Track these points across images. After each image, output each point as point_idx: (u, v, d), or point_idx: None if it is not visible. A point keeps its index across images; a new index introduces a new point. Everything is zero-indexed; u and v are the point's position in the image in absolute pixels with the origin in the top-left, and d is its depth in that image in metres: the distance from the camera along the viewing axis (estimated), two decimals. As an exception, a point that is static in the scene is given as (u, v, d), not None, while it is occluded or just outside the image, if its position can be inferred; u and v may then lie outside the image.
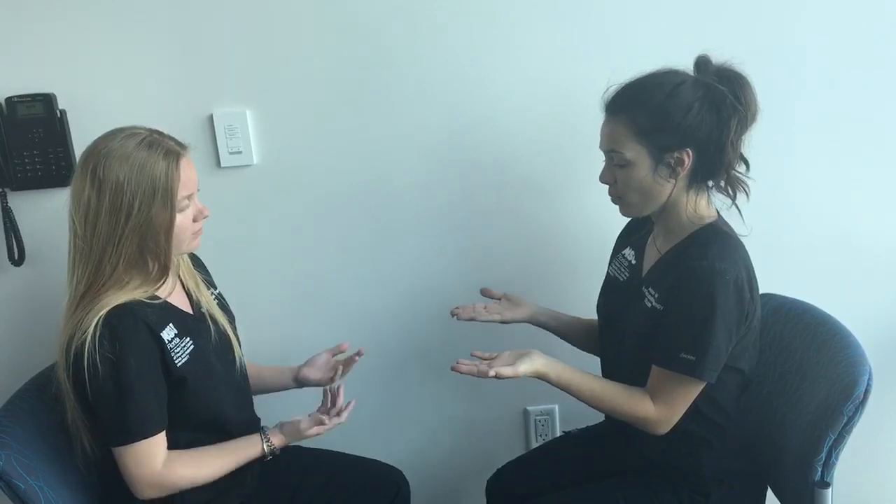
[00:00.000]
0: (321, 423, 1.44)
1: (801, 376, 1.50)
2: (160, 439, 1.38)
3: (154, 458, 1.36)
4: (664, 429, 1.41)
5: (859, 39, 1.76)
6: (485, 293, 1.72)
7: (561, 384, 1.43)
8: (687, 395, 1.40)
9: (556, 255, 1.89)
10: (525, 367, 1.41)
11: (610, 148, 1.43)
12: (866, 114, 1.81)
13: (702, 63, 1.41)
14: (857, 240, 1.88)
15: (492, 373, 1.39)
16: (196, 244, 1.47)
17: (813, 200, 1.85)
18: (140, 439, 1.35)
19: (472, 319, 1.68)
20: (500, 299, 1.71)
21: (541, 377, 1.43)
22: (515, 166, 1.83)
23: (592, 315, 1.69)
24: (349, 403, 1.52)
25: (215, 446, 1.45)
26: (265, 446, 1.46)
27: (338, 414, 1.51)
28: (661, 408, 1.40)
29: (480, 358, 1.45)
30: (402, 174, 1.82)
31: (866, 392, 1.34)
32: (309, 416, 1.50)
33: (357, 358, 1.67)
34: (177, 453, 1.40)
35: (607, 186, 1.48)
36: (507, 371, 1.39)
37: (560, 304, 1.81)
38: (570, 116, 1.77)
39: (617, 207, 1.50)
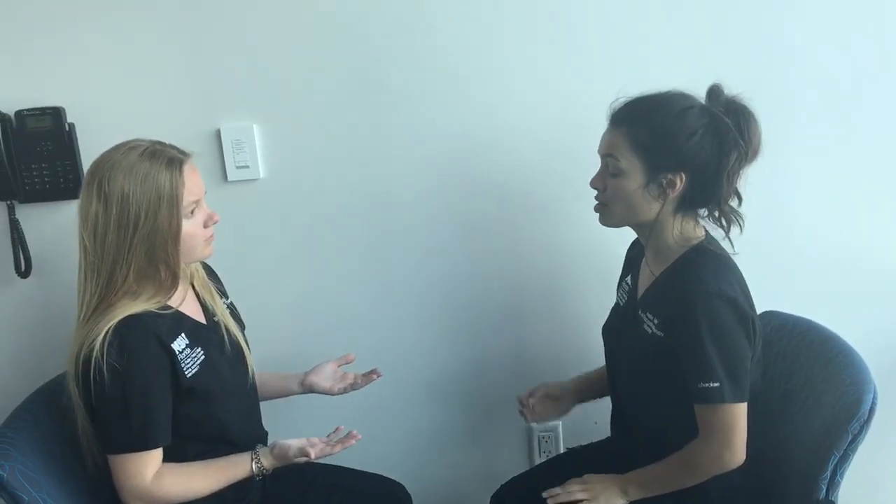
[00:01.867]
0: (307, 455, 1.44)
1: (806, 394, 1.50)
2: (156, 453, 1.38)
3: (145, 471, 1.36)
4: (733, 460, 1.38)
5: (861, 52, 1.77)
6: (520, 402, 1.70)
7: (643, 492, 1.46)
8: (731, 422, 1.37)
9: (557, 269, 1.89)
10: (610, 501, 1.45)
11: (607, 153, 1.44)
12: (869, 129, 1.81)
13: (714, 91, 1.41)
14: (862, 257, 1.87)
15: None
16: (210, 251, 1.47)
17: (817, 217, 1.85)
18: (137, 450, 1.35)
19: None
20: (535, 400, 1.68)
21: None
22: (518, 182, 1.83)
23: (593, 330, 1.69)
24: (345, 437, 1.49)
25: (205, 463, 1.44)
26: (254, 466, 1.45)
27: (332, 444, 1.48)
28: (715, 443, 1.38)
29: None
30: (407, 189, 1.83)
31: (871, 410, 1.34)
32: (305, 440, 1.47)
33: (375, 376, 1.68)
34: (167, 468, 1.39)
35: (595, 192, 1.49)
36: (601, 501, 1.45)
37: (560, 319, 1.81)
38: (572, 134, 1.78)
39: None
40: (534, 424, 1.66)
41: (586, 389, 1.71)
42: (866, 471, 1.56)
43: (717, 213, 1.44)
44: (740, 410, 1.37)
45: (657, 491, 1.46)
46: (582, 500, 1.46)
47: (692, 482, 1.43)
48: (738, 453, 1.38)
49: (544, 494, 1.49)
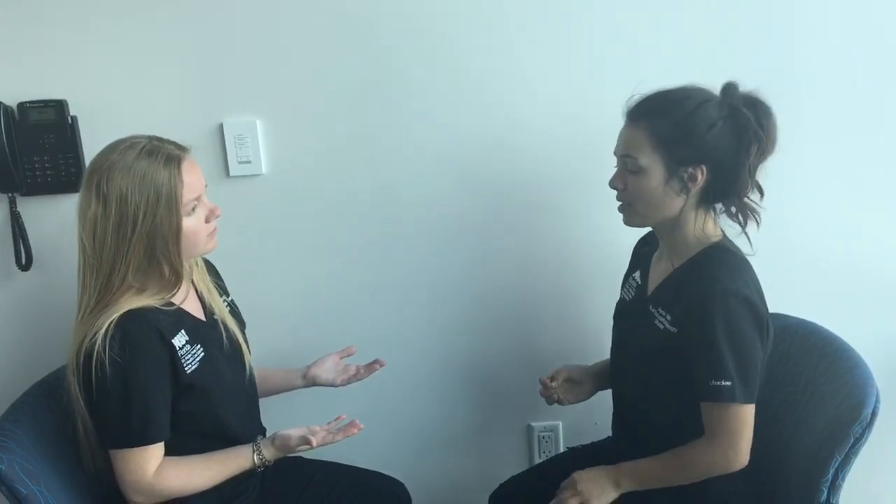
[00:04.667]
0: (309, 443, 1.44)
1: (808, 396, 1.50)
2: (157, 448, 1.38)
3: (147, 466, 1.36)
4: (738, 462, 1.38)
5: (870, 56, 1.77)
6: (543, 384, 1.66)
7: (636, 486, 1.45)
8: (740, 423, 1.36)
9: (563, 267, 1.88)
10: (603, 498, 1.45)
11: (625, 153, 1.43)
12: (877, 132, 1.81)
13: (729, 89, 1.41)
14: (868, 261, 1.87)
15: None
16: (213, 244, 1.47)
17: (822, 221, 1.85)
18: (138, 445, 1.35)
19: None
20: (557, 384, 1.65)
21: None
22: (524, 180, 1.83)
23: (598, 329, 1.68)
24: (348, 425, 1.49)
25: (206, 456, 1.44)
26: (256, 458, 1.45)
27: (333, 432, 1.48)
28: (722, 444, 1.37)
29: None
30: (410, 186, 1.83)
31: (874, 413, 1.33)
32: (306, 429, 1.47)
33: (378, 366, 1.68)
34: (169, 461, 1.39)
35: (615, 194, 1.48)
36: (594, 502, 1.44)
37: (564, 318, 1.80)
38: (580, 133, 1.78)
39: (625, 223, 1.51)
40: (557, 402, 1.65)
41: (607, 375, 1.68)
42: (868, 474, 1.56)
43: (733, 209, 1.43)
44: (748, 412, 1.37)
45: (651, 486, 1.45)
46: None
47: (689, 481, 1.42)
48: (742, 455, 1.38)
49: None
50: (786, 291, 1.71)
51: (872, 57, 1.77)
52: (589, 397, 1.68)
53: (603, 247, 1.82)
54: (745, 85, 1.40)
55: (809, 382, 1.51)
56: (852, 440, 1.33)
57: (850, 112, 1.79)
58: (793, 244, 1.85)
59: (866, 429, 1.33)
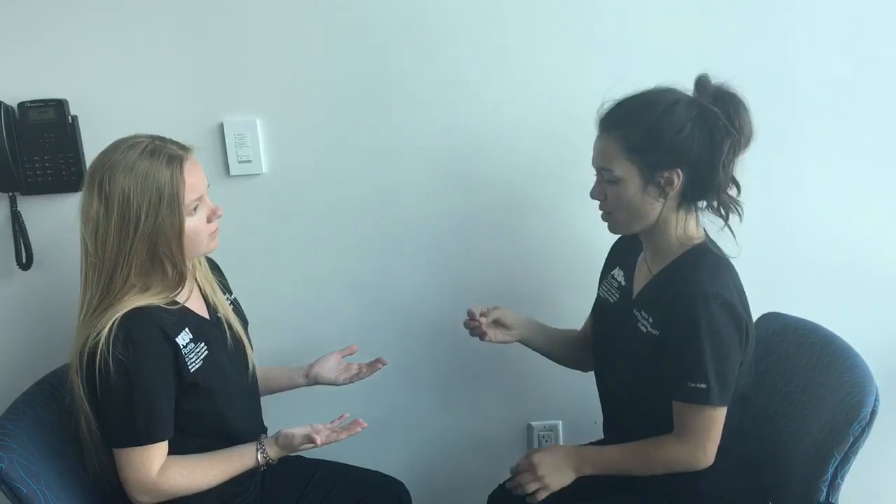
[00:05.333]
0: (314, 441, 1.44)
1: (807, 396, 1.50)
2: (161, 447, 1.38)
3: (151, 464, 1.36)
4: (704, 462, 1.40)
5: (870, 53, 1.77)
6: (471, 315, 1.64)
7: (596, 472, 1.46)
8: (711, 425, 1.38)
9: (554, 268, 1.89)
10: (563, 481, 1.46)
11: (601, 165, 1.43)
12: (873, 130, 1.81)
13: (701, 82, 1.41)
14: (866, 259, 1.87)
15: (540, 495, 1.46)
16: (215, 244, 1.47)
17: (821, 220, 1.85)
18: (142, 444, 1.35)
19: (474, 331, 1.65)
20: (485, 321, 1.64)
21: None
22: (519, 181, 1.83)
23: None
24: (351, 424, 1.49)
25: (210, 454, 1.44)
26: (259, 456, 1.45)
27: (337, 430, 1.48)
28: (691, 443, 1.39)
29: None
30: (408, 185, 1.83)
31: (873, 412, 1.33)
32: (309, 427, 1.47)
33: (380, 365, 1.68)
34: (173, 460, 1.39)
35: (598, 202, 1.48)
36: (554, 487, 1.46)
37: (554, 317, 1.80)
38: (572, 133, 1.77)
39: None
40: (479, 336, 1.65)
41: (537, 336, 1.69)
42: (867, 473, 1.56)
43: (715, 204, 1.43)
44: (721, 414, 1.38)
45: (611, 473, 1.46)
46: (537, 490, 1.46)
47: (651, 473, 1.44)
48: (709, 455, 1.39)
49: (508, 485, 1.53)
50: (785, 291, 1.72)
51: (871, 54, 1.77)
52: (511, 342, 1.66)
53: (590, 246, 1.81)
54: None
55: (809, 382, 1.51)
56: (851, 439, 1.33)
57: (849, 111, 1.79)
58: (792, 244, 1.85)
59: (865, 428, 1.33)
